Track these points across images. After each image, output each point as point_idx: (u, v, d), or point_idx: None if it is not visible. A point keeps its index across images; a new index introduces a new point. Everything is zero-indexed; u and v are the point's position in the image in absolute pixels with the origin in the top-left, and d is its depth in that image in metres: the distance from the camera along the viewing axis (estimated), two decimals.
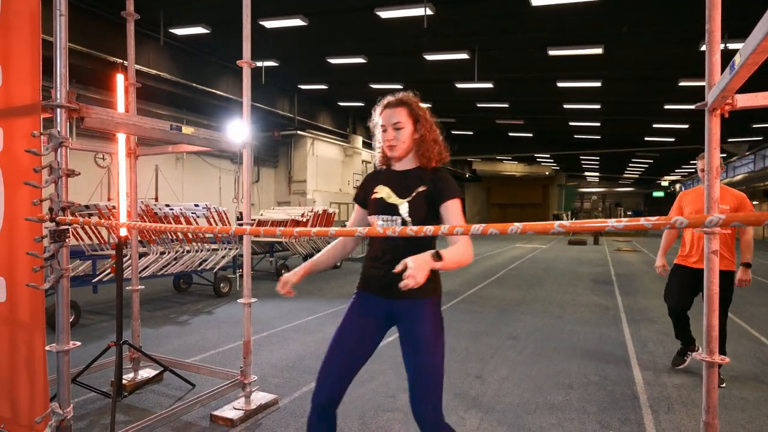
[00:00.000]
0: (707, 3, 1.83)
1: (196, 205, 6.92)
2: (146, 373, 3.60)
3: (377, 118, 1.87)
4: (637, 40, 13.35)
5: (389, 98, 1.88)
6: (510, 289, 8.26)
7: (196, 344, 4.67)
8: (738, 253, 3.51)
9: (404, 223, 1.76)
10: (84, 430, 2.80)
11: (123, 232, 2.93)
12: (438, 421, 1.75)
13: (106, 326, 5.33)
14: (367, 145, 28.40)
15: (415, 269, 1.40)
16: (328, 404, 1.77)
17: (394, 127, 1.81)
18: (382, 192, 1.83)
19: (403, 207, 1.77)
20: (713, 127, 1.87)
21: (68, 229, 1.92)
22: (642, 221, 0.93)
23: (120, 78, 2.94)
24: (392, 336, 5.84)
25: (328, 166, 25.01)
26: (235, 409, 2.99)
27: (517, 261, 13.34)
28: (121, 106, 2.98)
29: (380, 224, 1.78)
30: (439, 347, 1.76)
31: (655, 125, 23.85)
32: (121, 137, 2.99)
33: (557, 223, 0.99)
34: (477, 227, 1.08)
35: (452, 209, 1.74)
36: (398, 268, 1.43)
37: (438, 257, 1.51)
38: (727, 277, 3.36)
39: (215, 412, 2.94)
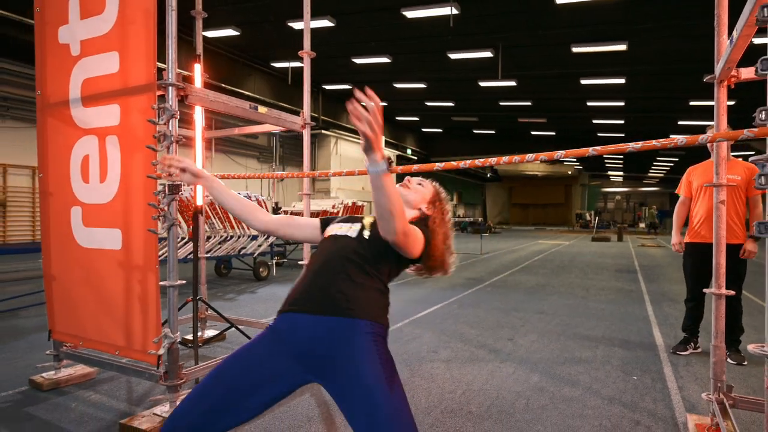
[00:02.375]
0: None
1: (239, 193, 7.40)
2: (211, 332, 4.05)
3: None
4: (662, 35, 13.44)
5: None
6: (535, 276, 8.53)
7: (247, 315, 5.11)
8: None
9: (361, 231, 1.50)
10: None
11: (199, 201, 3.36)
12: None
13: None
14: (390, 145, 28.81)
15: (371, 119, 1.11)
16: None
17: (416, 181, 1.74)
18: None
19: (368, 221, 1.54)
20: (721, 97, 2.20)
21: (181, 183, 2.34)
22: (653, 142, 1.28)
23: (197, 67, 3.39)
24: (432, 307, 6.11)
25: (352, 165, 25.50)
26: None
27: (541, 254, 13.54)
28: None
29: (337, 232, 1.52)
30: (398, 394, 1.24)
31: (680, 122, 23.68)
32: (198, 120, 3.43)
33: (591, 148, 1.34)
34: (530, 156, 1.44)
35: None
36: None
37: (389, 163, 1.17)
38: (738, 251, 3.36)
39: None
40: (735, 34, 1.74)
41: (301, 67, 14.42)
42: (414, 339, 4.07)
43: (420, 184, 1.72)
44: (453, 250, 1.64)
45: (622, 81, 17.57)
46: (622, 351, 3.77)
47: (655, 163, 39.86)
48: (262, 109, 2.93)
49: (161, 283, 2.39)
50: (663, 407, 2.65)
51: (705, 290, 2.30)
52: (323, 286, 1.34)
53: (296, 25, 13.42)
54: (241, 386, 1.28)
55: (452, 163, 1.57)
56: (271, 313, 5.21)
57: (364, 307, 1.33)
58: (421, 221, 1.61)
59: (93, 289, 2.69)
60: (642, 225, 42.17)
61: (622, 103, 21.21)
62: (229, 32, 14.40)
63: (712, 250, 2.22)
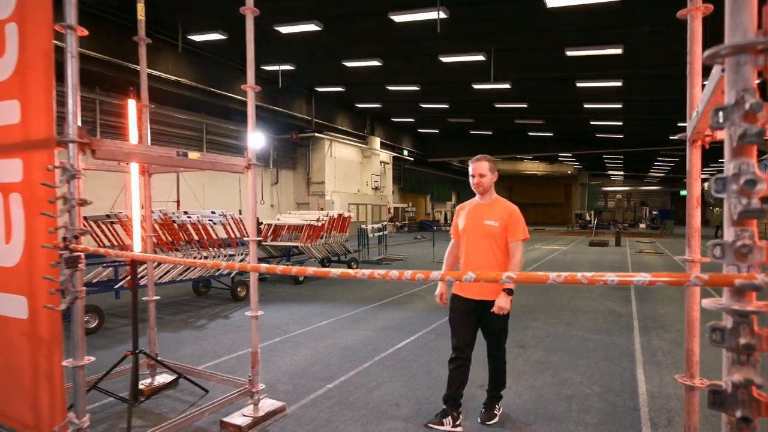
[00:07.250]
0: (688, 36, 1.87)
1: (213, 213, 7.14)
2: (163, 378, 3.78)
3: None
4: (658, 38, 13.10)
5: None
6: (525, 294, 8.24)
7: (211, 349, 4.85)
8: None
9: None
10: None
11: (137, 248, 3.09)
12: None
13: (128, 330, 5.57)
14: (385, 146, 28.47)
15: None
16: None
17: None
18: None
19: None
20: (694, 158, 1.91)
21: (81, 255, 2.07)
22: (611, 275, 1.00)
23: (132, 103, 3.11)
24: (408, 338, 5.74)
25: (347, 168, 25.20)
26: (244, 416, 3.13)
27: (535, 263, 13.25)
28: (133, 128, 3.14)
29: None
30: None
31: (680, 123, 23.29)
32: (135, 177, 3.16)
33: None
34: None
35: None
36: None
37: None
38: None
39: (225, 419, 3.09)
40: (700, 107, 1.46)
41: (291, 70, 14.14)
42: (379, 386, 3.80)
43: None
44: None
45: (618, 84, 17.26)
46: (600, 403, 3.50)
47: (656, 163, 39.48)
48: (193, 154, 2.65)
49: (63, 363, 2.12)
50: None
51: (677, 378, 2.02)
52: None
53: (283, 30, 13.12)
54: None
55: None
56: (239, 346, 4.94)
57: None
58: None
59: (0, 358, 2.43)
60: (642, 225, 41.80)
61: (619, 105, 20.89)
62: (216, 36, 14.12)
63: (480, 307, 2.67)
